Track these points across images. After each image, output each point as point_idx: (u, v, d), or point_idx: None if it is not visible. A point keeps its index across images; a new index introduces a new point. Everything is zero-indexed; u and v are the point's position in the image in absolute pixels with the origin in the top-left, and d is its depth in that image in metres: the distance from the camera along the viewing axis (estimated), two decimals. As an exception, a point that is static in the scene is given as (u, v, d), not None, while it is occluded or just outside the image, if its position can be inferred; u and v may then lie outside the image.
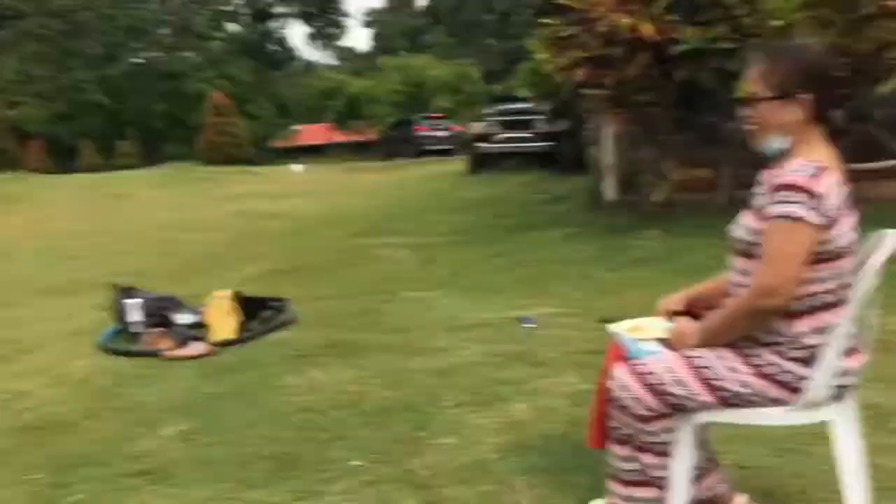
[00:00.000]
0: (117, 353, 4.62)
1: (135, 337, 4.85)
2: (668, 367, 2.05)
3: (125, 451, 3.24)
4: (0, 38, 42.50)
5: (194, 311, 5.12)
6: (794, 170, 1.93)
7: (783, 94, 1.98)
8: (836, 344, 1.97)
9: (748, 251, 2.03)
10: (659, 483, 2.11)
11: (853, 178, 2.05)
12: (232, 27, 47.90)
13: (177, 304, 5.17)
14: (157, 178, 22.53)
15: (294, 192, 17.00)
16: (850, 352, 2.02)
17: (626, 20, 7.04)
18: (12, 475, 3.09)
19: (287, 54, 51.03)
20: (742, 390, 2.01)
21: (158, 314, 5.00)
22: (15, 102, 40.40)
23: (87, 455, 3.22)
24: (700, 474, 2.21)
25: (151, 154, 37.88)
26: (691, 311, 2.25)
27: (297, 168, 27.92)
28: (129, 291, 5.16)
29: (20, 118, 39.24)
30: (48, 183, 22.54)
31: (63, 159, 37.72)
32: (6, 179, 21.54)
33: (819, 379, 1.98)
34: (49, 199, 18.12)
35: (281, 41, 50.04)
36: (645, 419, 2.07)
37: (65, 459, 3.19)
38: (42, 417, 3.68)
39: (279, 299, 5.31)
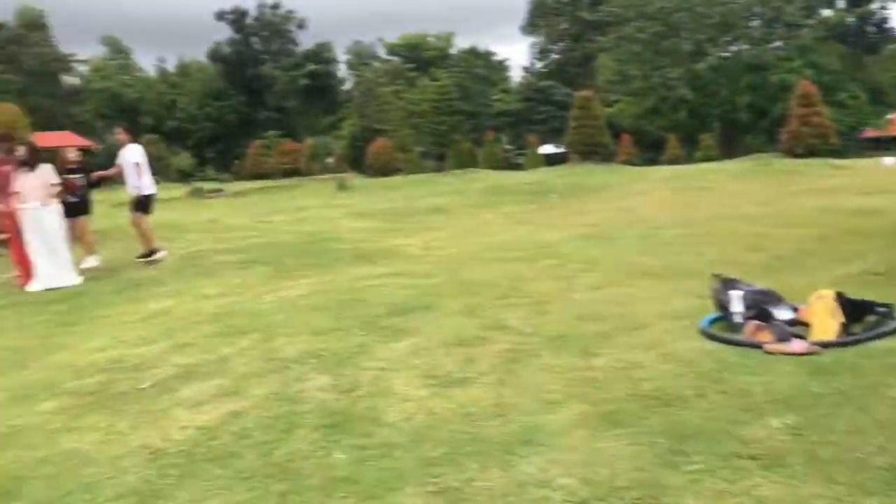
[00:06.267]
0: (719, 339, 4.87)
1: (735, 326, 5.06)
2: None
3: (734, 432, 3.47)
4: (603, 43, 47.32)
5: (792, 308, 5.14)
6: None
7: None
8: None
9: None
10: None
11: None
12: (826, 13, 45.70)
13: (776, 299, 5.24)
14: (738, 171, 22.75)
15: (889, 187, 15.55)
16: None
17: None
18: (636, 436, 3.53)
19: (884, 36, 46.90)
20: None
21: (757, 307, 5.14)
22: (613, 101, 44.72)
23: (700, 430, 3.52)
24: None
25: (732, 146, 38.37)
26: None
27: (889, 161, 25.52)
28: (731, 283, 5.39)
29: (616, 115, 43.16)
30: (636, 174, 24.44)
31: (649, 152, 40.41)
32: (603, 171, 24.01)
33: None
34: (637, 190, 19.66)
35: (880, 23, 46.14)
36: None
37: (681, 430, 3.54)
38: (658, 388, 4.12)
39: (886, 305, 5.01)
